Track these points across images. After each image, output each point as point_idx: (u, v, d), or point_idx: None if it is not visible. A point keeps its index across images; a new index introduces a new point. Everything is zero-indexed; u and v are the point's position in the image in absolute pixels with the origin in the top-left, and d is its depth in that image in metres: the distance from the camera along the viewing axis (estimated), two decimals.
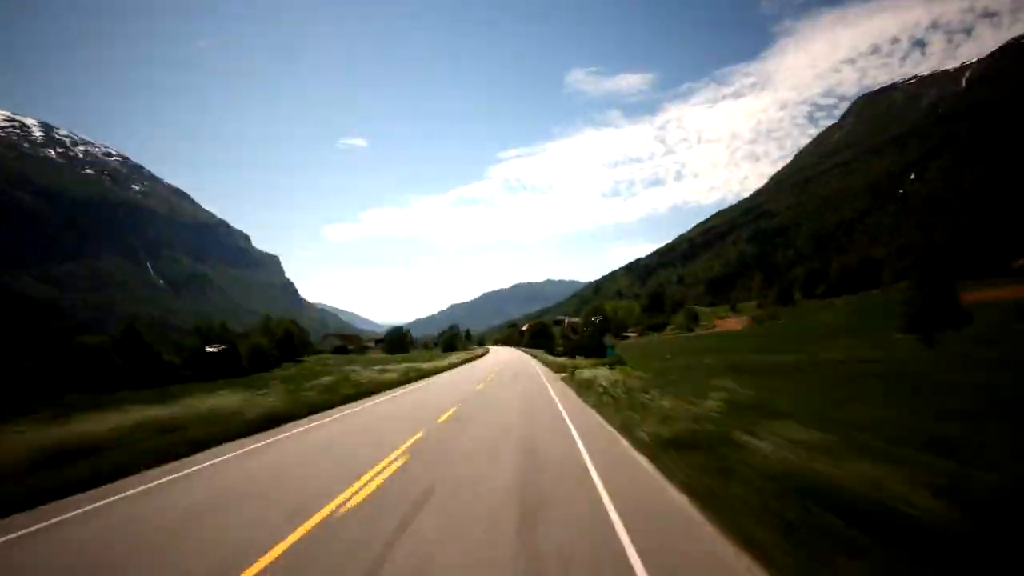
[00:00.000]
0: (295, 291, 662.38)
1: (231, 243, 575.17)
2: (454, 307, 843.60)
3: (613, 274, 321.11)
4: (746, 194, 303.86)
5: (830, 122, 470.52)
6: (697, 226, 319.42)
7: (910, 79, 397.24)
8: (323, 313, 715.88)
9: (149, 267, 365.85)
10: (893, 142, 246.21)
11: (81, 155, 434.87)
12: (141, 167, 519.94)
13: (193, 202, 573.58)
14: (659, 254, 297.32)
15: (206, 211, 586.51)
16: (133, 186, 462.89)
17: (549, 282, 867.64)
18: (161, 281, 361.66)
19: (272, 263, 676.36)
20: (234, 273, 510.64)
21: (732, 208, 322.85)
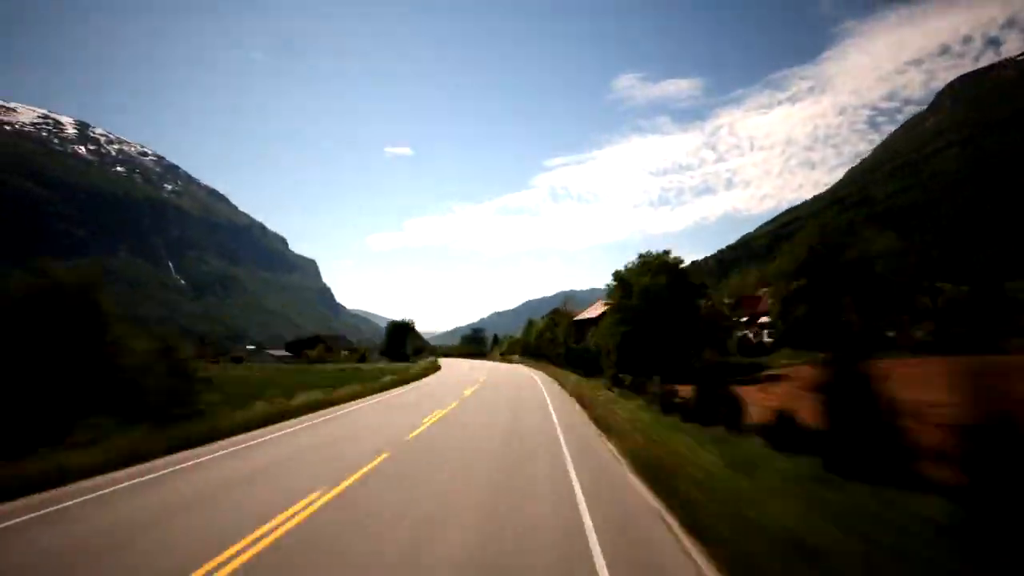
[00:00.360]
0: (331, 296, 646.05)
1: (266, 246, 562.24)
2: (495, 315, 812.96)
3: None
4: (798, 203, 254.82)
5: (892, 127, 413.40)
6: (764, 225, 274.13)
7: (1020, 55, 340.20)
8: (360, 320, 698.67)
9: (171, 267, 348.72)
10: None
11: (114, 153, 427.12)
12: (177, 167, 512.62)
13: (229, 204, 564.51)
14: (722, 253, 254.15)
15: (243, 213, 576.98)
16: (166, 185, 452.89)
17: (594, 291, 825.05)
18: (182, 282, 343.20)
19: (309, 267, 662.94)
20: (267, 276, 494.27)
21: (807, 203, 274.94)
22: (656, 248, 56.94)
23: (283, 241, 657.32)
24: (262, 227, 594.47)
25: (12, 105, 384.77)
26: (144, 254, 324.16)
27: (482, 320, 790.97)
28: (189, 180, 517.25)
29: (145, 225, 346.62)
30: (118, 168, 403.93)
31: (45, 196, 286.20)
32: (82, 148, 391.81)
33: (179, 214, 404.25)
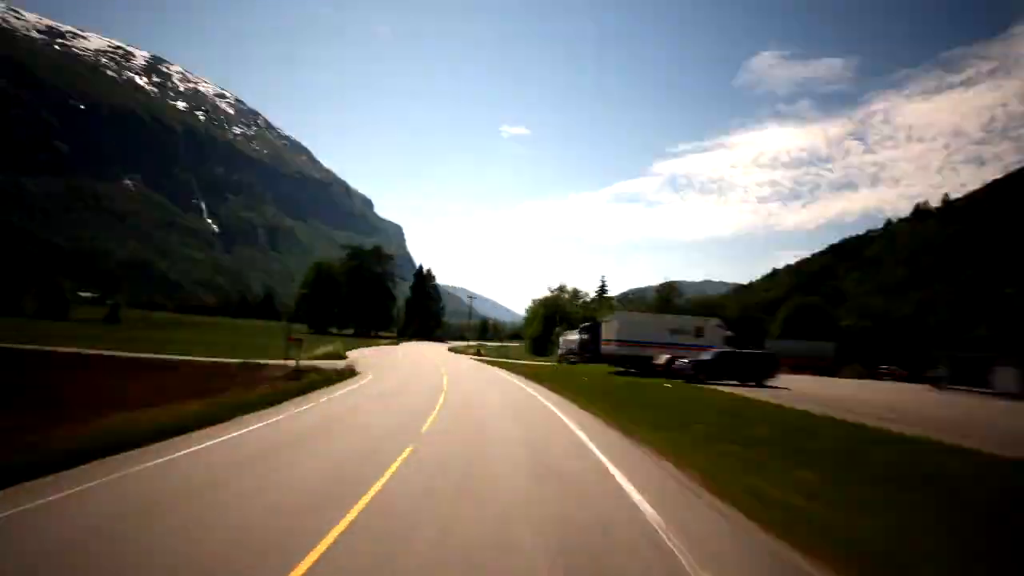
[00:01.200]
0: (413, 266, 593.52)
1: (346, 205, 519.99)
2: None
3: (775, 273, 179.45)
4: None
5: None
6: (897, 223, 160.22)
7: None
8: (446, 295, 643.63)
9: (203, 207, 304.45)
10: None
11: (183, 89, 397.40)
12: (257, 113, 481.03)
13: (311, 158, 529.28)
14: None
15: (325, 169, 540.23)
16: (235, 128, 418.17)
17: (708, 282, 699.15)
18: (214, 226, 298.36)
19: (394, 232, 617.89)
20: (337, 235, 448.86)
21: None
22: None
23: (368, 203, 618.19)
24: (345, 185, 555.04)
25: (86, 33, 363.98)
26: (165, 187, 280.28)
27: None
28: (268, 127, 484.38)
29: (177, 158, 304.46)
30: (180, 103, 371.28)
31: (73, 113, 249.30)
32: (143, 79, 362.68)
33: (234, 155, 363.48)
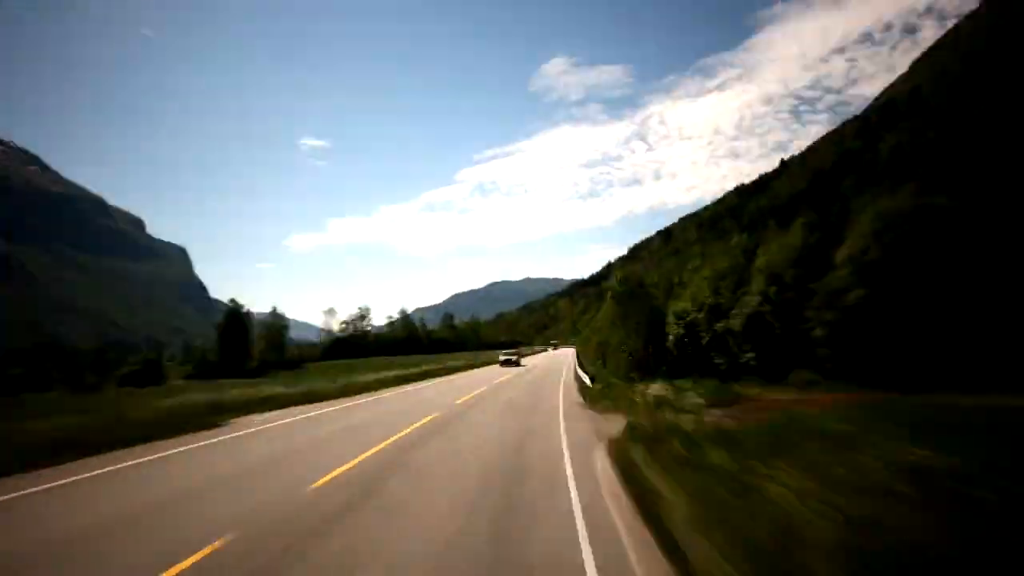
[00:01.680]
0: (205, 292, 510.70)
1: (103, 225, 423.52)
2: (418, 310, 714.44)
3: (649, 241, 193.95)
4: (722, 195, 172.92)
5: (819, 116, 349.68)
6: (686, 218, 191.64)
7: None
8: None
9: None
10: None
11: None
12: None
13: (47, 168, 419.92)
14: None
15: (67, 182, 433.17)
16: None
17: (528, 280, 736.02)
18: None
19: (175, 255, 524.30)
20: (92, 261, 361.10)
21: (730, 194, 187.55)
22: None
23: (136, 223, 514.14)
24: (102, 203, 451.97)
25: None
26: None
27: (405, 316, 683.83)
28: None
29: None
30: None
31: None
32: None
33: None
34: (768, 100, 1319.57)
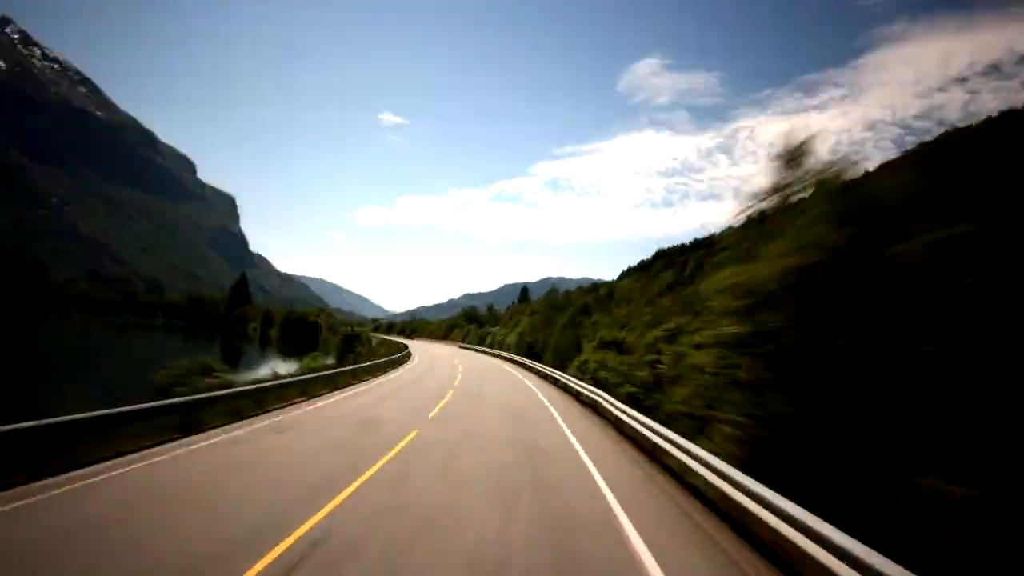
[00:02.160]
0: (245, 245, 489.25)
1: (145, 159, 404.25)
2: (467, 296, 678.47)
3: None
4: None
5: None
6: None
7: None
8: (301, 288, 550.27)
9: None
10: None
11: None
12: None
13: (98, 93, 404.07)
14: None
15: (120, 111, 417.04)
16: None
17: (586, 279, 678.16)
18: None
19: (220, 202, 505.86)
20: (118, 191, 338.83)
21: None
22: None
23: (186, 163, 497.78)
24: (149, 136, 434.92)
25: None
26: None
27: (451, 301, 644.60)
28: (24, 40, 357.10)
29: None
30: None
31: None
32: None
33: None
34: (871, 126, 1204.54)
